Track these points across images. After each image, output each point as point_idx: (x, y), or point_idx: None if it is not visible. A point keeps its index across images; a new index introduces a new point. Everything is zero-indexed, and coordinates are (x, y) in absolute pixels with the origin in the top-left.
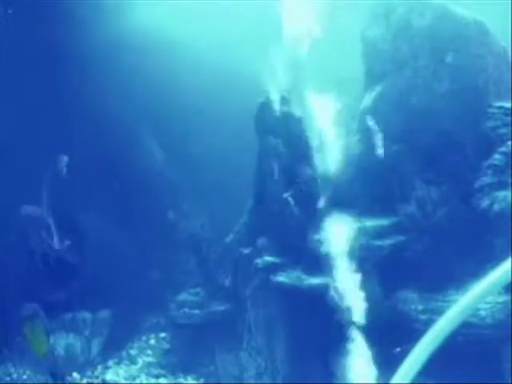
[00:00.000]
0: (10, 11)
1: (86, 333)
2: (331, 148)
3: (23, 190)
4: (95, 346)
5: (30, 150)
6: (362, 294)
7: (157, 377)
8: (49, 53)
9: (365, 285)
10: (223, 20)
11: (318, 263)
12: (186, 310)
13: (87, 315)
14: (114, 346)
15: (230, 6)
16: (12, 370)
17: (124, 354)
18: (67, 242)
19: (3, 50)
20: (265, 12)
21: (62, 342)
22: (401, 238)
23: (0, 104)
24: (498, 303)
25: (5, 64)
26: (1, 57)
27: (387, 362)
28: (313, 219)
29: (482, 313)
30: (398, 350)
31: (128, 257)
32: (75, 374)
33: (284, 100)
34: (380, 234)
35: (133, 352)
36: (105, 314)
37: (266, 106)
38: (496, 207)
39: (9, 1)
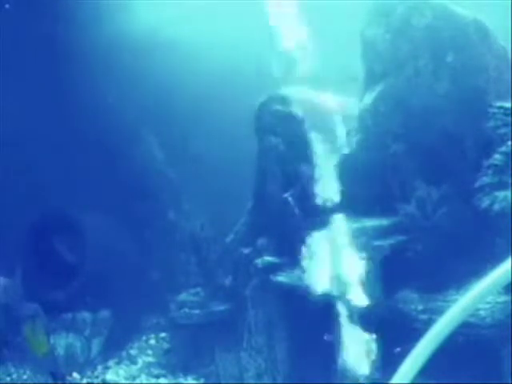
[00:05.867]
0: (7, 6)
1: (86, 333)
2: (331, 147)
3: (23, 189)
4: (95, 346)
5: (29, 149)
6: (361, 294)
7: (157, 377)
8: (48, 51)
9: (365, 285)
10: (224, 19)
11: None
12: (186, 310)
13: (87, 315)
14: (114, 346)
15: (231, 6)
16: (12, 369)
17: (124, 354)
18: (67, 242)
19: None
20: (266, 11)
21: (62, 342)
22: (401, 237)
23: None
24: (497, 303)
25: (1, 61)
26: None
27: (387, 361)
28: (313, 219)
29: (482, 313)
30: (398, 349)
31: (128, 257)
32: (75, 374)
33: (284, 100)
34: (380, 233)
35: (133, 352)
36: (105, 314)
37: (266, 105)
38: (496, 207)
39: None
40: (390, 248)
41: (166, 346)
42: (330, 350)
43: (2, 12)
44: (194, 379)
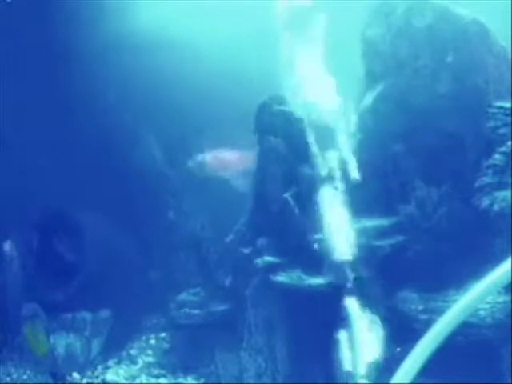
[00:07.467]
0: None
1: (86, 333)
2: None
3: (22, 189)
4: (95, 346)
5: (29, 148)
6: (361, 295)
7: (157, 377)
8: (47, 50)
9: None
10: (225, 19)
11: (319, 263)
12: (186, 309)
13: (87, 315)
14: (114, 346)
15: (231, 5)
16: (12, 369)
17: (124, 354)
18: (67, 242)
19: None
20: (267, 10)
21: (62, 342)
22: (401, 237)
23: None
24: (497, 303)
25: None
26: None
27: (387, 361)
28: (313, 219)
29: (482, 313)
30: (398, 350)
31: (128, 257)
32: (75, 374)
33: (284, 100)
34: (380, 233)
35: (133, 352)
36: (105, 314)
37: (266, 105)
38: (496, 207)
39: None
40: (390, 248)
41: (166, 346)
42: (331, 350)
43: (1, 9)
44: (194, 379)
